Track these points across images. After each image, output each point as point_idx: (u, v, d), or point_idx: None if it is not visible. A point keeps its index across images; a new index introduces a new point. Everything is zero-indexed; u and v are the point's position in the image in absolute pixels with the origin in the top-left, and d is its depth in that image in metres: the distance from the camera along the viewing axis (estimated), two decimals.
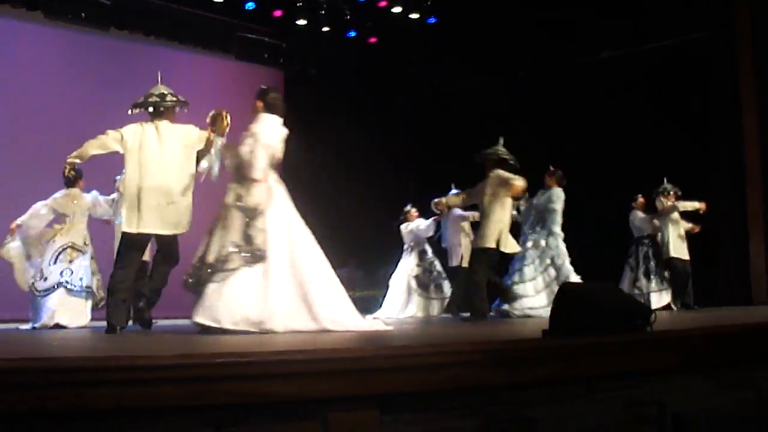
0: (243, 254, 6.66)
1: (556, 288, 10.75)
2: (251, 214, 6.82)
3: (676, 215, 12.45)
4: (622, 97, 14.96)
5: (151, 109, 8.06)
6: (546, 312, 10.62)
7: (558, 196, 11.41)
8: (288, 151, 17.43)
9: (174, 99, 8.15)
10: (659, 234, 12.85)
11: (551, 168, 11.57)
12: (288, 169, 17.50)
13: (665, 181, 12.45)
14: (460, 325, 9.13)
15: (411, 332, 7.12)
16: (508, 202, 10.33)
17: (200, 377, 3.21)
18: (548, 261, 11.26)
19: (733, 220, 13.82)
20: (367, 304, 16.30)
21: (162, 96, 8.10)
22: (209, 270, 6.75)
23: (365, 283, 16.80)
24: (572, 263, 11.56)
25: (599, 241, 13.02)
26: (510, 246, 10.34)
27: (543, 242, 11.37)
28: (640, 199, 13.14)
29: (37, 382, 2.99)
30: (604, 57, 15.50)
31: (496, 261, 10.45)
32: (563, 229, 11.63)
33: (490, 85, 16.37)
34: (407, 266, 13.33)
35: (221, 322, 6.50)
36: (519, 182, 10.13)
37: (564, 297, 4.77)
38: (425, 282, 13.30)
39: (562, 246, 11.37)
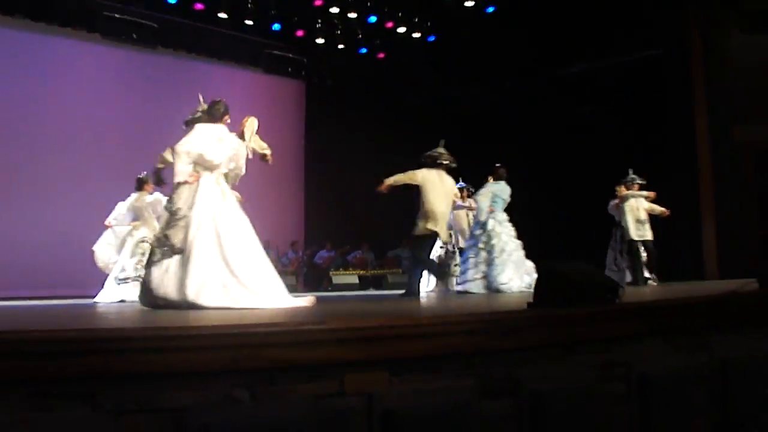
0: (163, 248, 6.61)
1: (484, 268, 10.74)
2: (172, 215, 6.77)
3: (633, 202, 12.28)
4: (594, 104, 14.93)
5: None
6: (479, 289, 10.59)
7: (489, 189, 11.16)
8: (309, 149, 17.50)
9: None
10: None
11: (496, 165, 11.34)
12: (311, 163, 17.68)
13: (630, 172, 12.34)
14: (459, 298, 9.11)
15: (416, 306, 7.10)
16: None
17: (235, 345, 3.21)
18: (481, 245, 11.04)
19: (688, 208, 13.80)
20: (378, 280, 16.35)
21: None
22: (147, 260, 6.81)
23: (376, 263, 16.83)
24: (560, 245, 11.47)
25: (584, 226, 12.90)
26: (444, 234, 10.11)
27: (480, 229, 11.17)
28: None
29: (100, 349, 2.99)
30: (578, 69, 15.45)
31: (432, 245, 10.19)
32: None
33: (482, 93, 16.33)
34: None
35: (150, 304, 6.45)
36: None
37: (545, 275, 4.77)
38: (446, 260, 13.17)
39: (502, 230, 11.07)
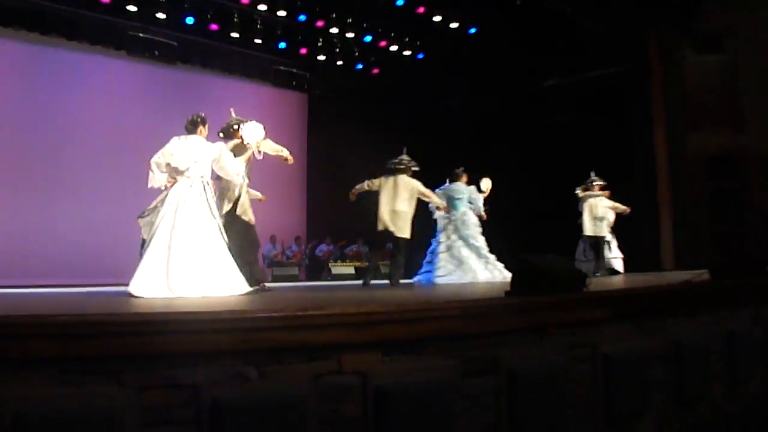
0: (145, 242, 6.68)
1: (446, 259, 10.64)
2: (143, 212, 6.85)
3: (592, 201, 12.18)
4: (566, 114, 14.95)
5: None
6: (443, 280, 10.46)
7: (442, 191, 10.94)
8: (311, 154, 17.43)
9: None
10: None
11: (455, 168, 11.19)
12: (313, 166, 17.66)
13: (591, 174, 12.26)
14: (442, 287, 9.10)
15: (406, 293, 7.10)
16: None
17: (245, 328, 3.20)
18: (442, 239, 10.93)
19: (648, 207, 13.84)
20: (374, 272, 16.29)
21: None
22: None
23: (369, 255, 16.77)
24: (538, 237, 11.42)
25: (559, 221, 12.80)
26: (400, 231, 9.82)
27: (441, 225, 11.07)
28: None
29: (124, 332, 2.99)
30: (551, 84, 15.47)
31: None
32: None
33: (468, 105, 16.34)
34: None
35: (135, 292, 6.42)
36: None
37: (521, 266, 4.76)
38: None
39: (454, 228, 10.92)
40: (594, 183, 12.12)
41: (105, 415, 2.88)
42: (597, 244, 12.00)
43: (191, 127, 7.08)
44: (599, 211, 11.99)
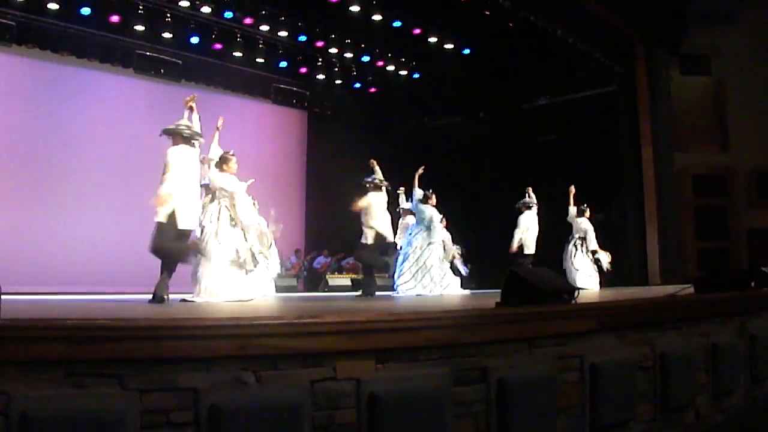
0: None
1: (419, 274, 10.61)
2: None
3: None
4: (557, 132, 15.01)
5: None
6: (413, 292, 10.39)
7: (421, 209, 10.86)
8: (310, 169, 17.46)
9: None
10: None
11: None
12: (312, 181, 17.67)
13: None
14: (436, 299, 9.10)
15: (399, 304, 7.10)
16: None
17: (243, 334, 3.21)
18: (418, 253, 10.88)
19: (636, 223, 13.87)
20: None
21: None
22: None
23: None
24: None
25: (549, 234, 12.74)
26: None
27: (414, 241, 11.02)
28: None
29: (127, 336, 3.00)
30: (543, 103, 15.54)
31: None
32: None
33: (459, 123, 16.40)
34: None
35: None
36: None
37: (512, 278, 4.77)
38: None
39: (428, 241, 10.72)
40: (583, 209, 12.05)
41: (107, 416, 2.88)
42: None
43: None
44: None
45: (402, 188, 11.48)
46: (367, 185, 10.06)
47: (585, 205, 12.07)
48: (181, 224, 6.58)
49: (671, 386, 5.19)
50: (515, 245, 11.54)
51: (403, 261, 10.74)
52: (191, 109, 7.55)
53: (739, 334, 6.33)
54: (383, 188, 10.09)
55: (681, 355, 5.36)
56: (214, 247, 7.03)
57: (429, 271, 10.56)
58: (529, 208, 11.81)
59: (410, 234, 10.93)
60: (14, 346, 2.80)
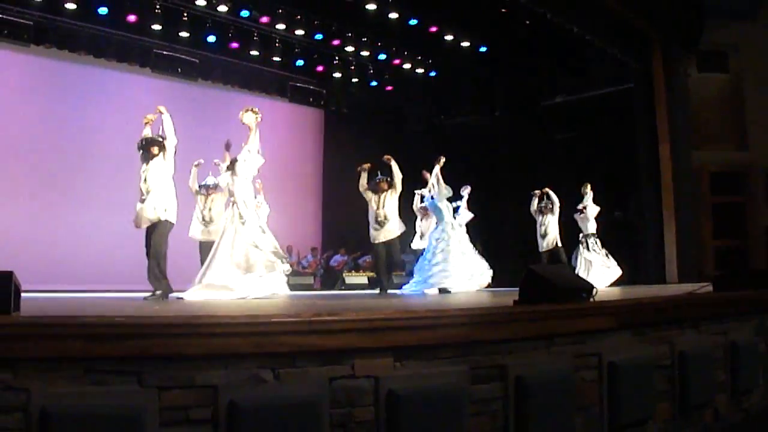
0: None
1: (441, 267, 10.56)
2: None
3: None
4: (574, 130, 14.93)
5: None
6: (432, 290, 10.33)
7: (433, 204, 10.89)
8: (327, 167, 17.47)
9: None
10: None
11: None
12: (328, 180, 17.69)
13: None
14: (453, 296, 9.08)
15: (417, 301, 7.08)
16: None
17: (261, 332, 3.21)
18: (439, 248, 10.82)
19: (653, 220, 13.77)
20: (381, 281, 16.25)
21: None
22: None
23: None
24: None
25: (567, 231, 12.69)
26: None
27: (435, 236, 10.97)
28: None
29: (146, 333, 3.00)
30: (560, 101, 15.47)
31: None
32: None
33: (476, 121, 16.36)
34: None
35: None
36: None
37: (530, 276, 4.74)
38: None
39: (448, 235, 10.73)
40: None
41: (126, 413, 2.89)
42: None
43: None
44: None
45: (419, 190, 11.41)
46: (382, 183, 10.05)
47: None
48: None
49: (690, 385, 5.15)
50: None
51: (427, 259, 10.72)
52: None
53: (758, 332, 6.28)
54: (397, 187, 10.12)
55: (700, 354, 5.32)
56: (225, 247, 7.14)
57: (450, 263, 10.53)
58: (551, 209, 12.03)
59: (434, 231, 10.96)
60: (34, 343, 2.82)
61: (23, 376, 2.80)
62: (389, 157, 10.12)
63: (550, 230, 11.90)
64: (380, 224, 10.04)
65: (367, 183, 10.16)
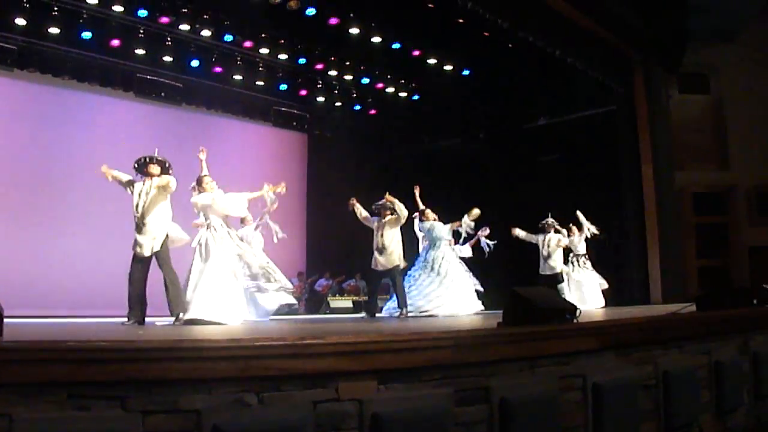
0: None
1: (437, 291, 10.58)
2: None
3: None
4: (557, 152, 15.03)
5: None
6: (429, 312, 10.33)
7: (422, 227, 11.08)
8: (311, 192, 17.46)
9: None
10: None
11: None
12: (312, 204, 17.70)
13: (549, 215, 12.30)
14: (436, 319, 9.08)
15: (401, 324, 7.10)
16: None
17: (246, 356, 3.22)
18: (430, 270, 10.84)
19: (637, 241, 13.84)
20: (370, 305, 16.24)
21: None
22: None
23: (367, 290, 16.72)
24: (527, 270, 11.49)
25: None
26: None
27: (429, 257, 11.03)
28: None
29: (129, 358, 3.00)
30: (543, 123, 15.57)
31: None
32: None
33: (460, 144, 16.43)
34: None
35: None
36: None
37: (513, 298, 4.77)
38: None
39: (443, 258, 10.86)
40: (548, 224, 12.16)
41: None
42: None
43: None
44: (544, 251, 12.05)
45: (417, 213, 11.45)
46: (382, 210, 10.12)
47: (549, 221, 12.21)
48: None
49: (674, 405, 5.18)
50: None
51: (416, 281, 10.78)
52: None
53: (741, 351, 6.33)
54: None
55: (684, 374, 5.36)
56: (212, 267, 7.15)
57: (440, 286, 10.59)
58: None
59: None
60: (17, 368, 2.81)
61: (5, 401, 2.79)
62: (390, 198, 10.13)
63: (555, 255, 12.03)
64: (378, 251, 10.07)
65: (366, 210, 10.23)
